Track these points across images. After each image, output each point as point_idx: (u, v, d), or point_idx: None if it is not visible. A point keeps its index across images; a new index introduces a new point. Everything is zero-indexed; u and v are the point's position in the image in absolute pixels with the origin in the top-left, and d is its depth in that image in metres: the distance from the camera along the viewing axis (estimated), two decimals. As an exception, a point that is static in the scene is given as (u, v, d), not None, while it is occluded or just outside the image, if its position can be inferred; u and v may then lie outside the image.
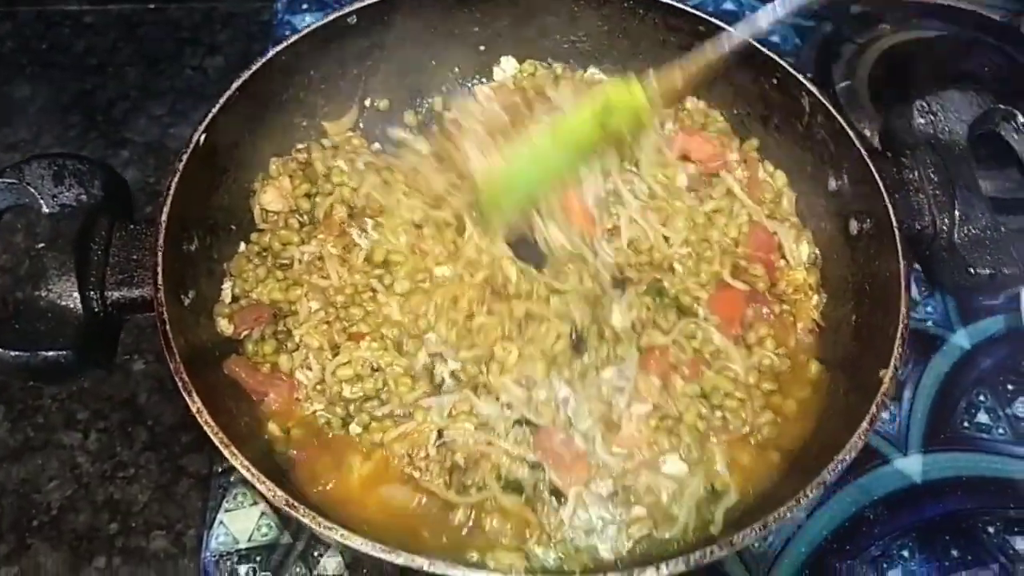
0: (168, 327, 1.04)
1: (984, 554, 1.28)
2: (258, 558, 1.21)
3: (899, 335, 1.08)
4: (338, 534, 0.92)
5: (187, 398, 1.00)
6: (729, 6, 1.94)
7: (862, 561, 1.26)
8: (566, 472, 1.11)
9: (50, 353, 1.06)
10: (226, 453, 0.97)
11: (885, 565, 1.26)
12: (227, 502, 1.25)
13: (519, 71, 1.50)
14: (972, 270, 1.19)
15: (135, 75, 1.84)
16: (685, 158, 1.39)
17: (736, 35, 1.20)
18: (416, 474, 1.12)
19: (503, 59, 1.50)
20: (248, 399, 1.16)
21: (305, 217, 1.33)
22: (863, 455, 1.03)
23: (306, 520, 0.93)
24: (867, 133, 1.65)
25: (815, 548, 1.26)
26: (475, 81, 1.52)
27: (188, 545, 1.28)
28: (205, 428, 0.98)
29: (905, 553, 1.28)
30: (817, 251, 1.33)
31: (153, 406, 1.41)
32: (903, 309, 1.09)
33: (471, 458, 1.12)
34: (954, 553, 1.28)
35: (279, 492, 0.95)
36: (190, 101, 1.79)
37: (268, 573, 1.20)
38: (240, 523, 1.24)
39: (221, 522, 1.24)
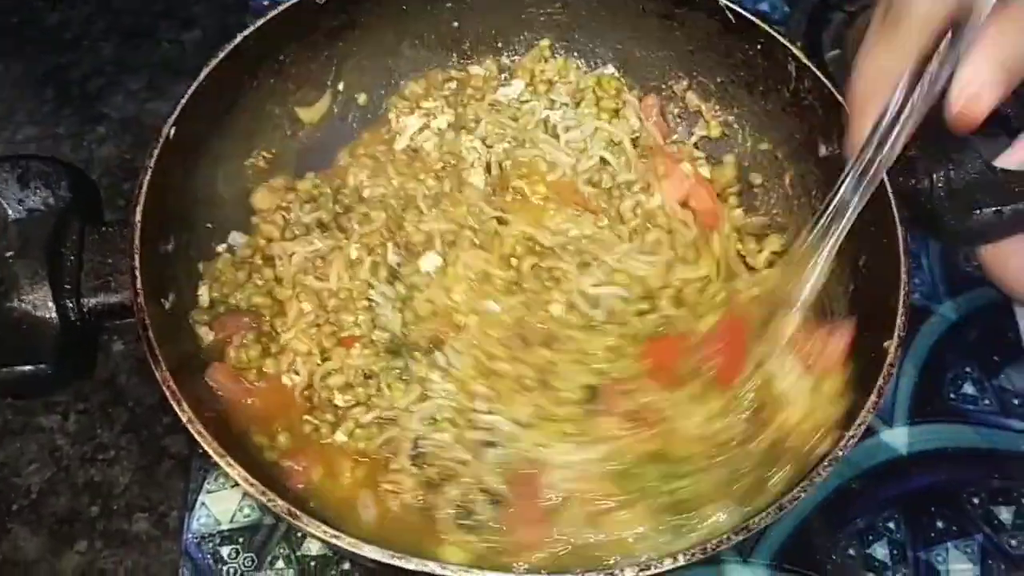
0: (151, 333, 1.00)
1: (969, 525, 1.29)
2: (241, 539, 1.21)
3: (900, 304, 1.05)
4: (345, 542, 0.89)
5: (176, 408, 0.95)
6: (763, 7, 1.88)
7: (847, 533, 1.27)
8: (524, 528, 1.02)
9: (27, 368, 1.01)
10: (222, 463, 0.93)
11: (871, 537, 1.27)
12: (208, 483, 1.24)
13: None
14: (978, 211, 1.15)
15: (110, 49, 1.80)
16: (683, 204, 1.33)
17: None
18: (388, 487, 1.07)
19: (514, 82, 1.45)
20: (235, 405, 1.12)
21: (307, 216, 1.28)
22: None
23: (311, 530, 0.90)
24: (854, 102, 1.63)
25: (800, 521, 1.26)
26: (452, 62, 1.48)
27: (171, 527, 1.27)
28: (197, 439, 0.94)
29: (891, 525, 1.28)
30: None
31: (133, 387, 1.38)
32: (903, 276, 1.07)
33: (444, 473, 1.07)
34: (939, 524, 1.29)
35: (279, 501, 0.91)
36: (167, 76, 1.75)
37: (251, 554, 1.20)
38: (222, 504, 1.23)
39: (203, 503, 1.23)
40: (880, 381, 1.01)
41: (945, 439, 1.35)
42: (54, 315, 1.03)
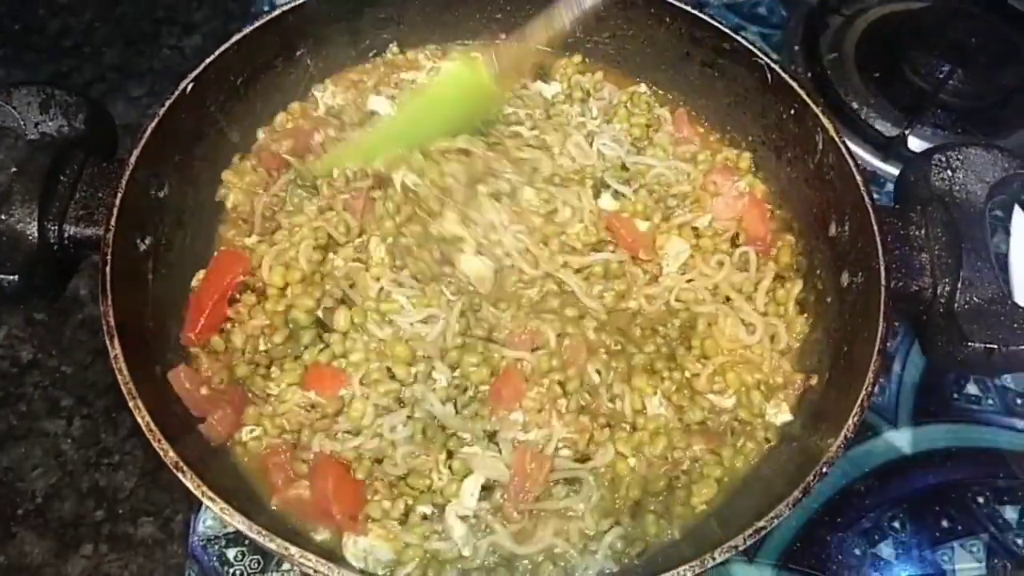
0: (108, 268, 1.03)
1: (974, 524, 1.28)
2: (246, 542, 1.20)
3: (857, 407, 1.02)
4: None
5: (108, 343, 0.99)
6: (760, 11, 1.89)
7: (853, 533, 1.26)
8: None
9: None
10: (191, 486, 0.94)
11: (876, 537, 1.27)
12: (214, 486, 1.24)
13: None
14: (969, 343, 1.10)
15: (112, 56, 1.81)
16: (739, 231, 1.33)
17: (568, 13, 1.17)
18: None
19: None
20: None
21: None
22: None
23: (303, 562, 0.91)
24: (854, 106, 1.64)
25: (806, 521, 1.26)
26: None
27: (176, 531, 1.27)
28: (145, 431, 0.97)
29: (896, 524, 1.28)
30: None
31: (137, 391, 1.38)
32: (870, 376, 1.03)
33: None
34: (944, 524, 1.28)
35: (283, 542, 0.91)
36: (169, 81, 1.74)
37: (257, 557, 1.19)
38: (228, 507, 1.23)
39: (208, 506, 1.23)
40: (869, 376, 1.03)
41: (949, 439, 1.35)
42: (35, 234, 1.09)
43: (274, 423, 1.11)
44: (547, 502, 1.08)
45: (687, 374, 1.20)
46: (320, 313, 1.16)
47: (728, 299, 1.26)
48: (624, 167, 1.36)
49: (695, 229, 1.32)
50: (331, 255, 1.21)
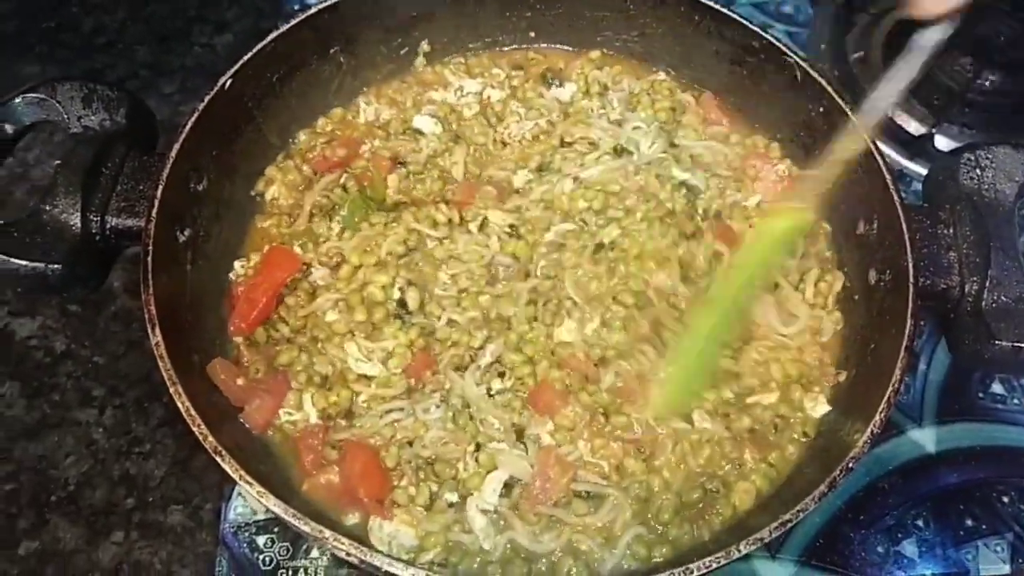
0: (150, 258, 1.06)
1: (999, 523, 1.28)
2: (276, 529, 1.22)
3: (884, 403, 1.03)
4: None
5: (148, 324, 1.03)
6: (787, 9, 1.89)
7: (876, 531, 1.27)
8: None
9: (39, 264, 1.09)
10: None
11: (900, 535, 1.27)
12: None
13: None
14: (996, 341, 1.10)
15: (144, 53, 1.83)
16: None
17: (863, 125, 1.13)
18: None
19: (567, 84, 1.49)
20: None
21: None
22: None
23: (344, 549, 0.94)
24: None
25: (830, 518, 1.27)
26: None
27: (205, 520, 1.28)
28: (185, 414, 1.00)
29: (920, 523, 1.28)
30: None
31: (168, 382, 1.41)
32: (897, 373, 1.04)
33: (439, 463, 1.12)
34: (969, 523, 1.28)
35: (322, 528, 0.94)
36: (200, 79, 1.78)
37: (287, 544, 1.21)
38: (257, 496, 1.25)
39: (239, 494, 1.25)
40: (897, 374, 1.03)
41: (974, 438, 1.35)
42: (78, 224, 1.13)
43: (328, 398, 1.14)
44: (564, 511, 1.08)
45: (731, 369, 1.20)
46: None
47: (777, 286, 1.26)
48: (673, 144, 1.37)
49: (744, 209, 1.32)
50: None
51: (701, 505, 1.11)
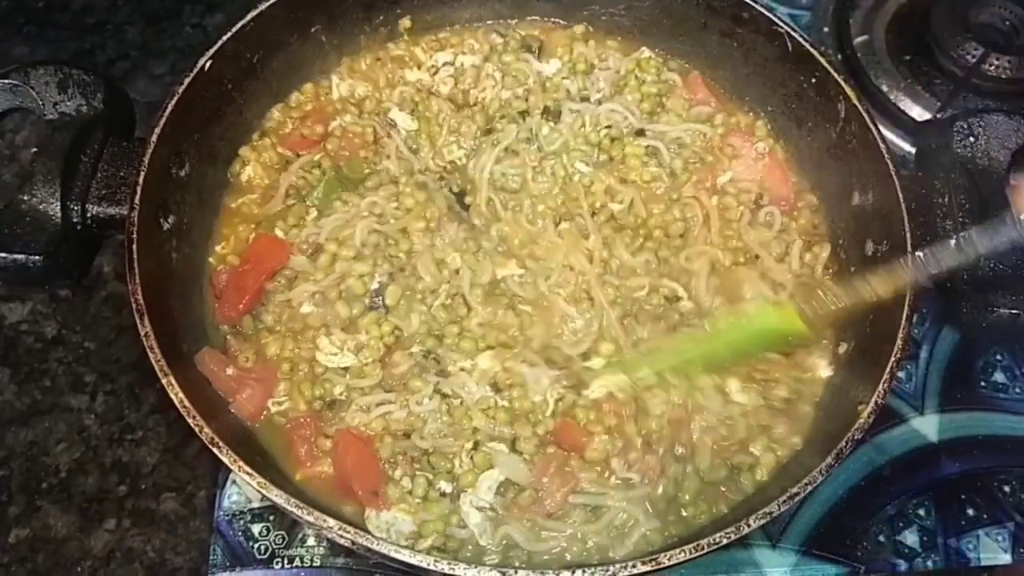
0: (135, 245, 1.03)
1: (1000, 513, 1.28)
2: (271, 517, 1.21)
3: (887, 373, 1.02)
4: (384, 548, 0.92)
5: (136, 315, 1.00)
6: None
7: (878, 520, 1.26)
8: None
9: (20, 256, 1.06)
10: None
11: (901, 524, 1.26)
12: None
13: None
14: (993, 308, 1.11)
15: (135, 34, 1.80)
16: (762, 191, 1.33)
17: (916, 271, 1.07)
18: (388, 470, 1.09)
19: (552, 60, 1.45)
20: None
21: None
22: (879, 414, 1.01)
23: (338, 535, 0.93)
24: (884, 89, 1.62)
25: (831, 507, 1.26)
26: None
27: (198, 507, 1.27)
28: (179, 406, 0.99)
29: (921, 512, 1.27)
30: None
31: (161, 368, 1.39)
32: (899, 342, 1.03)
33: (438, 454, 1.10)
34: (970, 512, 1.28)
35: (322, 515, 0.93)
36: (191, 59, 1.74)
37: (282, 532, 1.20)
38: (252, 483, 1.23)
39: (233, 481, 1.23)
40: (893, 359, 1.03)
41: (976, 426, 1.34)
42: (58, 214, 1.09)
43: (313, 390, 1.12)
44: (558, 523, 1.06)
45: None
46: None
47: (757, 257, 1.25)
48: (641, 132, 1.35)
49: (717, 187, 1.31)
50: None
51: (723, 487, 1.11)
